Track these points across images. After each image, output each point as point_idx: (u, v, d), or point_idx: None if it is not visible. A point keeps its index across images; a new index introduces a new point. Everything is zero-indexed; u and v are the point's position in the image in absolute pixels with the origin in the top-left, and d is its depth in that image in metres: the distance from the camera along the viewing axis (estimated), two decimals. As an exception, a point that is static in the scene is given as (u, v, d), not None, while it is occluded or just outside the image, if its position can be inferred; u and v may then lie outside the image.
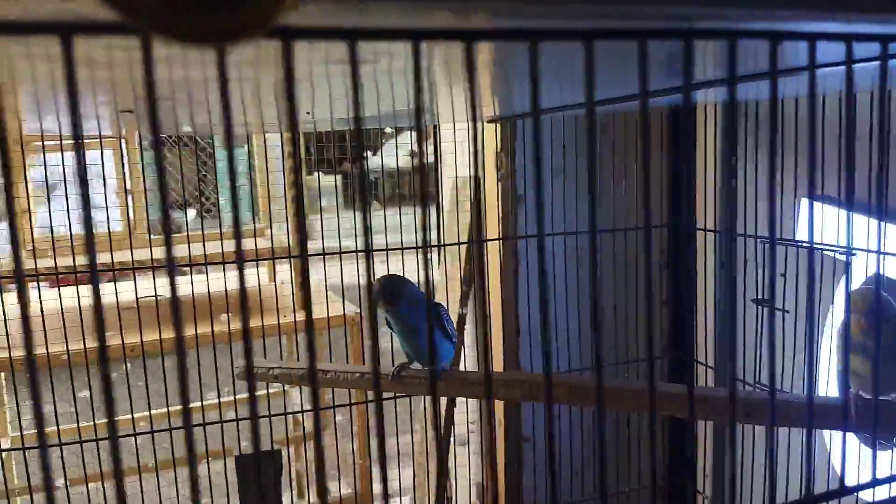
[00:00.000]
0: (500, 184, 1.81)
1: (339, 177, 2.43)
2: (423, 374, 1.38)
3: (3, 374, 2.09)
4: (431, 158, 2.20)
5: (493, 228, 1.87)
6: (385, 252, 1.74)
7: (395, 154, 2.07)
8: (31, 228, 2.26)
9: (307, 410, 2.28)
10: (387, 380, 1.41)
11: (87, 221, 0.33)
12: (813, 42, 0.44)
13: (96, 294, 0.35)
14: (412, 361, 1.39)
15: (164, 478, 1.81)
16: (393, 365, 1.43)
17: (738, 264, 1.57)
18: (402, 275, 1.41)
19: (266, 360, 1.65)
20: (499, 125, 1.76)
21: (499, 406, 1.99)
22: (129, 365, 1.73)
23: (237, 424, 1.72)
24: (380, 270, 1.65)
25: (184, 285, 1.75)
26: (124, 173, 2.12)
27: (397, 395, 1.82)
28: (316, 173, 2.58)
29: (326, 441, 2.32)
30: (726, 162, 1.62)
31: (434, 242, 2.38)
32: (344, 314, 2.30)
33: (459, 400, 2.10)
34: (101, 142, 1.66)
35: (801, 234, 1.46)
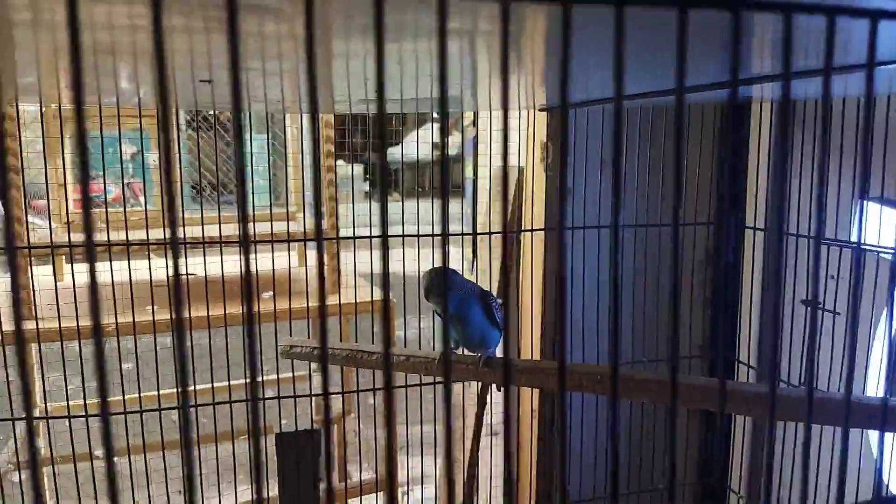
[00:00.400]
0: (547, 175, 1.81)
1: (357, 165, 2.43)
2: (468, 359, 1.40)
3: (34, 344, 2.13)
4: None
5: (537, 220, 1.87)
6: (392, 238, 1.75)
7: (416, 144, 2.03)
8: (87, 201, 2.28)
9: (336, 393, 2.30)
10: (432, 364, 1.42)
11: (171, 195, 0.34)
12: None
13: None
14: (458, 347, 1.42)
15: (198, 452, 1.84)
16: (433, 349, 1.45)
17: (790, 264, 1.55)
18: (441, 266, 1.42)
19: (309, 340, 1.67)
20: (549, 115, 1.75)
21: (535, 395, 1.99)
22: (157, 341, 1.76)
23: (279, 402, 1.74)
24: (392, 257, 1.67)
25: (224, 265, 1.77)
26: (177, 150, 2.14)
27: (436, 381, 1.83)
28: (339, 160, 2.59)
29: (357, 426, 2.34)
30: (780, 159, 1.60)
31: (464, 233, 2.39)
32: (372, 300, 2.31)
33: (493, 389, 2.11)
34: (172, 118, 1.68)
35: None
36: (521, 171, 1.93)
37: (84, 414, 1.74)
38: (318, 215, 0.39)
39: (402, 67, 1.06)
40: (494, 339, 1.44)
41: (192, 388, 1.71)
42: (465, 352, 1.42)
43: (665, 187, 1.75)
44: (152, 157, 2.06)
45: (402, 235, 1.72)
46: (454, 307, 1.33)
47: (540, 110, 1.73)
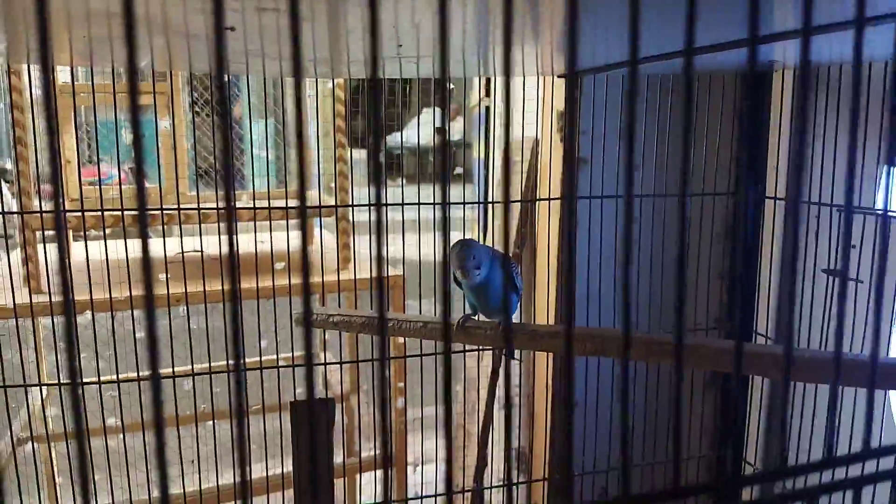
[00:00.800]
0: (562, 144, 1.78)
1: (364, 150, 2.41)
2: (487, 325, 1.39)
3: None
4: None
5: (553, 190, 1.84)
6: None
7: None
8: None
9: (350, 362, 2.29)
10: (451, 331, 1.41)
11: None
12: None
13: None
14: (475, 313, 1.41)
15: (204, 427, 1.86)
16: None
17: (811, 233, 1.53)
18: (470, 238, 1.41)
19: (325, 308, 1.66)
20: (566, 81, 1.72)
21: (549, 369, 1.98)
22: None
23: (293, 372, 1.73)
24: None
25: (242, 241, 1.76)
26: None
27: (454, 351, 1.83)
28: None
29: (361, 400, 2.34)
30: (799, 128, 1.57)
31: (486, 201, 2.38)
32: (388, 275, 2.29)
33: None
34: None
35: (881, 203, 1.43)
36: (536, 141, 1.90)
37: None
38: (378, 183, 0.37)
39: (420, 23, 1.02)
40: (514, 304, 1.44)
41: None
42: (482, 318, 1.41)
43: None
44: (164, 124, 2.03)
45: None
46: (483, 276, 1.31)
47: (558, 76, 1.69)
